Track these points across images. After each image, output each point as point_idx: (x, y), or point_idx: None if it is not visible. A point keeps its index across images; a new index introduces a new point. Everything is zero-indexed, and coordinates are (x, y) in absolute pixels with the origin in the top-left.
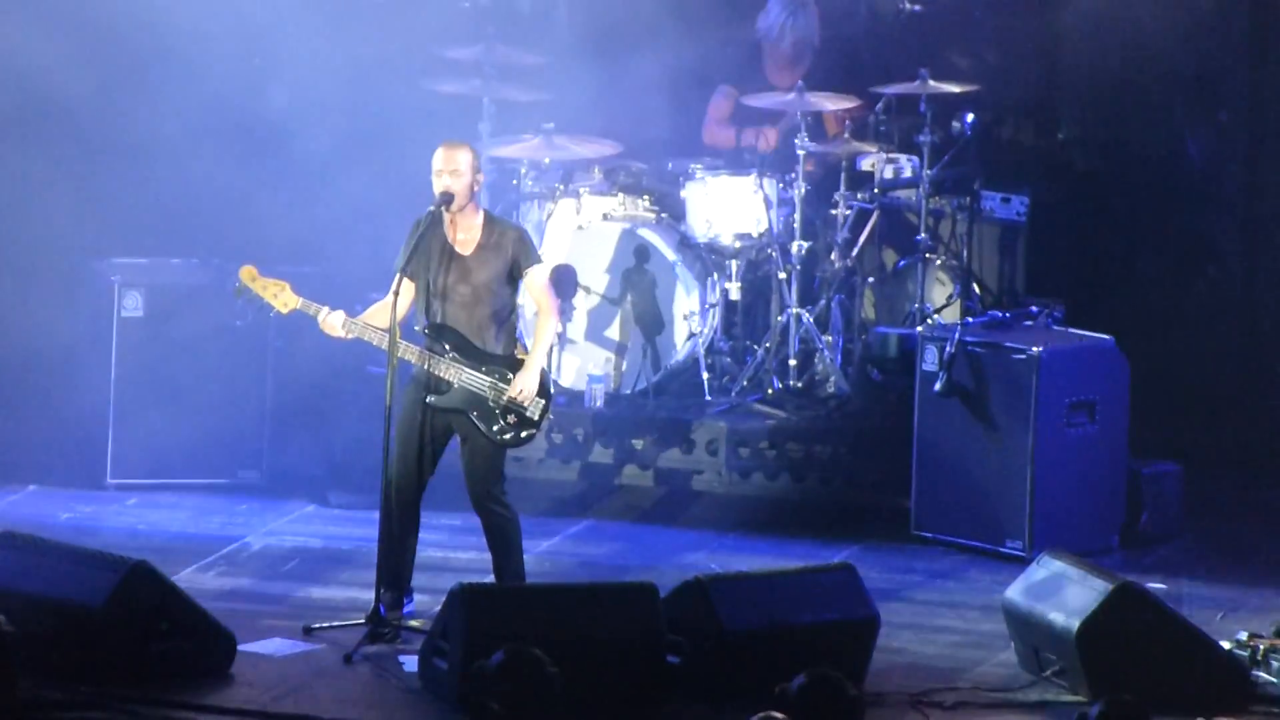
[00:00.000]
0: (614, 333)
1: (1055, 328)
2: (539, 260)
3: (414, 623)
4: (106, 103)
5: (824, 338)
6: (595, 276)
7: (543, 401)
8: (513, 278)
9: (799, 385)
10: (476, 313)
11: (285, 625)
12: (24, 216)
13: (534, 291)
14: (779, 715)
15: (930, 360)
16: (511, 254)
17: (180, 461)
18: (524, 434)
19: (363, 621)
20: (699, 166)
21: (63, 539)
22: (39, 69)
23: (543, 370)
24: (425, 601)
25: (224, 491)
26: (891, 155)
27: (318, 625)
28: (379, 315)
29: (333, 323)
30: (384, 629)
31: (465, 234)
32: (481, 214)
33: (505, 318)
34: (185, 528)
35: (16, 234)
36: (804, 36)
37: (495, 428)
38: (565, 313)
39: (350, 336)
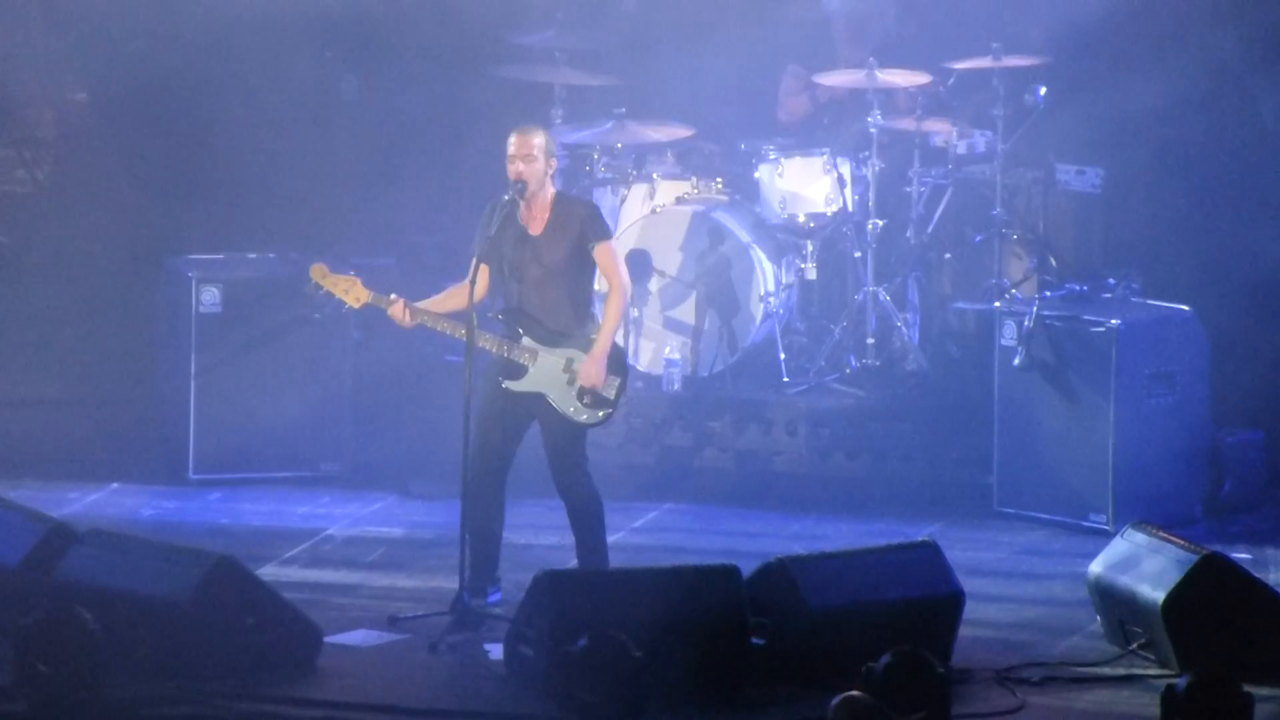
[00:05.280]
0: (690, 316)
1: (1133, 299)
2: (608, 235)
3: (498, 610)
4: (179, 100)
5: (901, 315)
6: (670, 260)
7: (618, 379)
8: (585, 254)
9: (877, 364)
10: (550, 294)
11: (370, 616)
12: (100, 216)
13: (603, 266)
14: (864, 695)
15: (1009, 335)
16: (580, 230)
17: (262, 455)
18: (601, 413)
19: (447, 610)
20: (771, 147)
21: (147, 535)
22: (111, 70)
23: (617, 347)
24: (509, 589)
25: (306, 484)
26: (965, 130)
27: (403, 615)
28: (449, 300)
29: (396, 312)
30: (469, 617)
31: (537, 215)
32: (553, 194)
33: (579, 297)
34: (268, 521)
35: (93, 233)
36: (881, 18)
37: (572, 409)
38: (640, 297)
39: (413, 324)
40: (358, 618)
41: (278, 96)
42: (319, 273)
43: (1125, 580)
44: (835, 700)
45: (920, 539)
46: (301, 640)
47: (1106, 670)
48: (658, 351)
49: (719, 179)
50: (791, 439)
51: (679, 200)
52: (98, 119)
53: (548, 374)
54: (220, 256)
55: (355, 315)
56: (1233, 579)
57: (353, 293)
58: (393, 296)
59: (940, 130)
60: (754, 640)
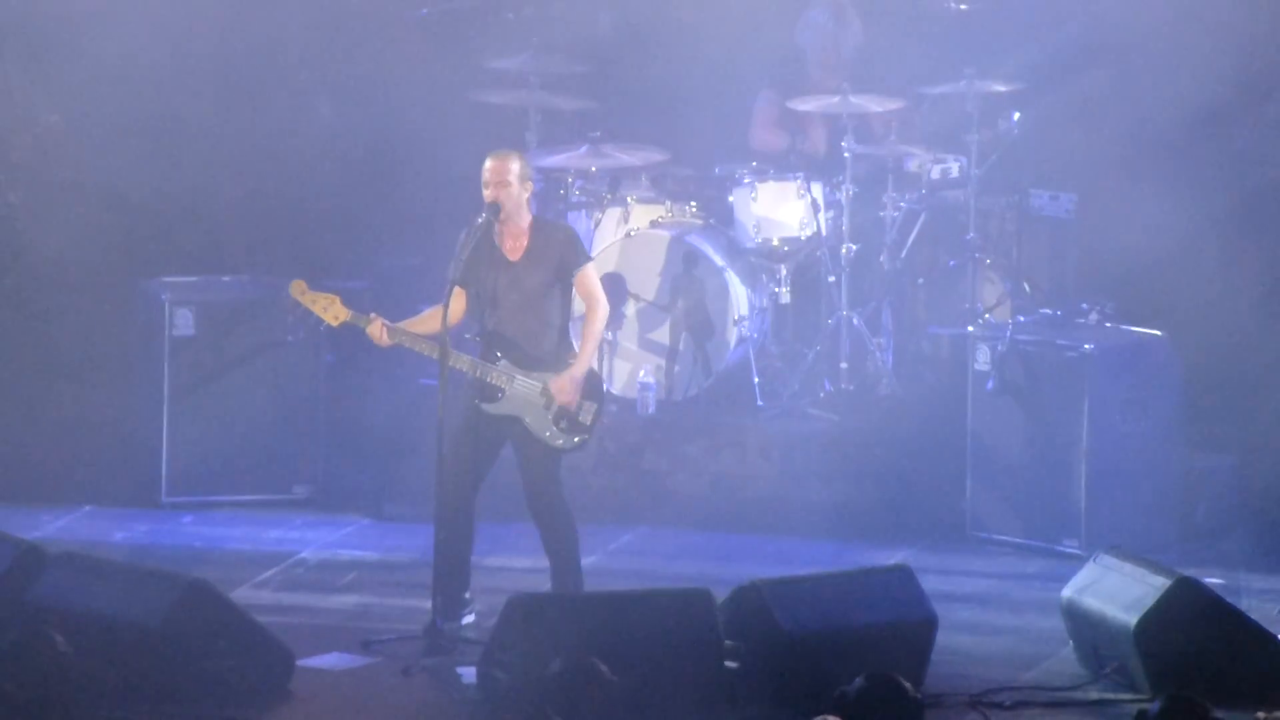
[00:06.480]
0: (664, 339)
1: (1106, 324)
2: (588, 259)
3: (471, 634)
4: (153, 122)
5: (875, 340)
6: (645, 284)
7: (594, 405)
8: (563, 280)
9: (851, 388)
10: (527, 318)
11: (343, 639)
12: (74, 238)
13: (582, 290)
14: (837, 719)
15: (982, 360)
16: (559, 255)
17: (235, 478)
18: (576, 439)
19: (420, 633)
20: (746, 172)
21: (119, 558)
22: (85, 92)
23: (593, 373)
24: (483, 612)
25: (279, 507)
26: (939, 156)
27: (376, 638)
28: (426, 322)
29: (374, 331)
30: (442, 640)
31: (514, 241)
32: (530, 220)
33: (557, 322)
34: (241, 544)
35: (67, 256)
36: (848, 43)
37: (547, 433)
38: (615, 321)
39: (391, 343)
40: (330, 641)
41: (252, 118)
42: (298, 289)
43: (1097, 605)
44: None
45: (894, 564)
46: (274, 664)
47: (1079, 695)
48: (632, 375)
49: (693, 203)
50: (765, 463)
51: (653, 224)
52: (72, 141)
53: (524, 398)
54: (194, 279)
55: (329, 338)
56: (1205, 603)
57: (331, 310)
58: (371, 315)
59: (914, 155)
60: (728, 664)
